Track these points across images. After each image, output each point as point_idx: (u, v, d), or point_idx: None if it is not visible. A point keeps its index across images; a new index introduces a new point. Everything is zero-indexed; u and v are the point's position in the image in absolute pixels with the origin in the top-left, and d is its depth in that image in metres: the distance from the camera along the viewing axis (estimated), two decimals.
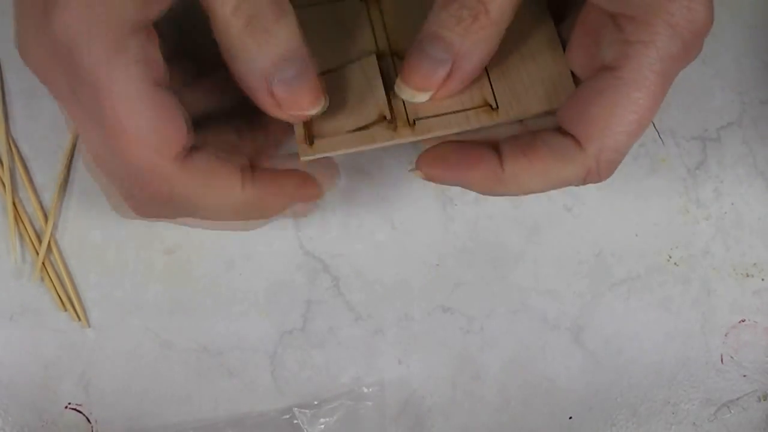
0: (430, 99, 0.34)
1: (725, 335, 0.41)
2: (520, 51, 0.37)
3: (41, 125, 0.41)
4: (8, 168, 0.40)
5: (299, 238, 0.41)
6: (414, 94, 0.34)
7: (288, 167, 0.35)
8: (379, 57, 0.37)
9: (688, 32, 0.30)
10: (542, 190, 0.33)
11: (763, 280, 0.41)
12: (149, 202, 0.31)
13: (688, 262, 0.41)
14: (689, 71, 0.42)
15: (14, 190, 0.40)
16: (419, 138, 0.36)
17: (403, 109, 0.36)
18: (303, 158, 0.36)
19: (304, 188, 0.35)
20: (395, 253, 0.41)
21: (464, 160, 0.34)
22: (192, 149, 0.30)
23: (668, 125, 0.42)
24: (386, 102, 0.36)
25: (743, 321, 0.41)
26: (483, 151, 0.34)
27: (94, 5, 0.26)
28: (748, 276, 0.41)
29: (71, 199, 0.41)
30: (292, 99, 0.31)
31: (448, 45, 0.31)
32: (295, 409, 0.40)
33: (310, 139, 0.36)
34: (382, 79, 0.37)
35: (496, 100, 0.37)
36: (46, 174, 0.41)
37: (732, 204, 0.42)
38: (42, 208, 0.40)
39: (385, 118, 0.36)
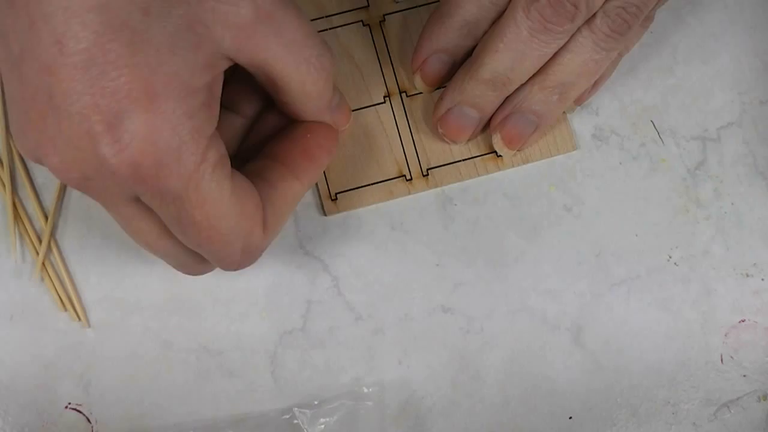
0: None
1: (725, 335, 0.41)
2: None
3: None
4: (8, 168, 0.40)
5: (299, 238, 0.41)
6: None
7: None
8: (390, 95, 0.40)
9: None
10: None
11: (763, 280, 0.41)
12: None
13: (688, 262, 0.41)
14: (689, 71, 0.42)
15: (14, 190, 0.40)
16: (432, 188, 0.41)
17: (417, 159, 0.39)
18: (329, 215, 0.40)
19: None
20: (395, 253, 0.41)
21: None
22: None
23: (668, 125, 0.42)
24: (404, 158, 0.38)
25: (743, 321, 0.41)
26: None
27: (179, 131, 0.28)
28: (748, 276, 0.41)
29: (71, 199, 0.41)
30: (344, 116, 0.37)
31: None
32: (295, 409, 0.40)
33: (333, 195, 0.38)
34: (394, 119, 0.39)
35: None
36: (46, 174, 0.41)
37: (732, 204, 0.42)
38: (42, 208, 0.40)
39: (402, 175, 0.40)
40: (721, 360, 0.41)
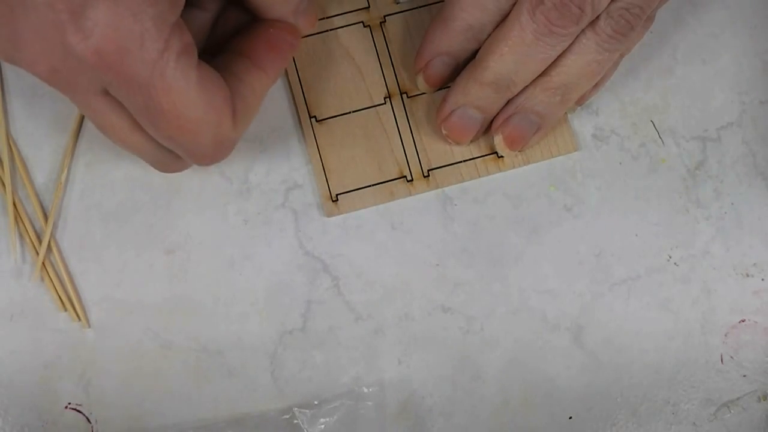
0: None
1: (725, 335, 0.41)
2: None
3: (41, 125, 0.41)
4: (8, 168, 0.40)
5: (299, 238, 0.41)
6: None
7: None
8: (391, 96, 0.40)
9: None
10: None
11: (763, 280, 0.41)
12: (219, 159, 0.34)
13: (688, 262, 0.41)
14: (689, 71, 0.42)
15: (14, 190, 0.40)
16: (433, 189, 0.41)
17: (417, 160, 0.39)
18: (329, 217, 0.40)
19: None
20: (395, 253, 0.41)
21: None
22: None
23: (668, 125, 0.42)
24: (405, 159, 0.39)
25: (743, 321, 0.41)
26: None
27: (140, 18, 0.28)
28: (748, 276, 0.41)
29: (71, 199, 0.41)
30: (308, 23, 0.36)
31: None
32: (295, 409, 0.40)
33: (334, 196, 0.38)
34: (395, 120, 0.40)
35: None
36: (46, 174, 0.41)
37: (732, 204, 0.42)
38: (42, 208, 0.40)
39: (402, 176, 0.40)
40: (721, 360, 0.41)
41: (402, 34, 0.41)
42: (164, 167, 0.35)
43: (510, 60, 0.36)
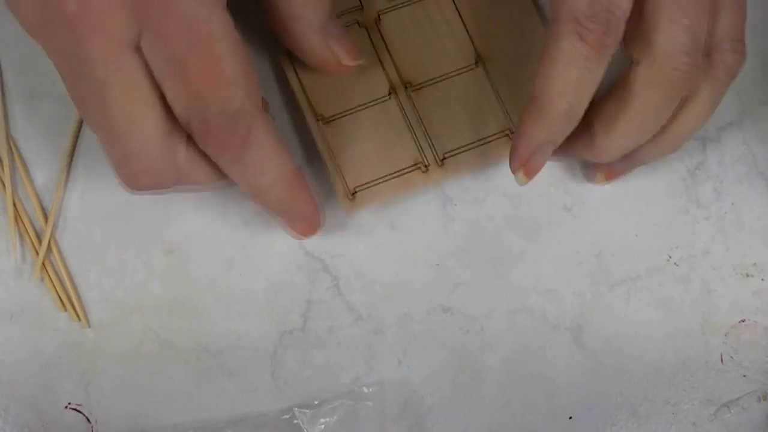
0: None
1: (725, 335, 0.41)
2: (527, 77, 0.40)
3: (41, 125, 0.41)
4: (8, 168, 0.40)
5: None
6: (525, 181, 0.35)
7: None
8: (394, 90, 0.40)
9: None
10: (652, 125, 0.34)
11: (763, 280, 0.41)
12: (240, 150, 0.31)
13: (688, 262, 0.41)
14: None
15: (14, 190, 0.40)
16: (450, 177, 0.40)
17: (431, 149, 0.39)
18: (348, 215, 0.39)
19: None
20: (395, 253, 0.41)
21: (562, 149, 0.36)
22: None
23: None
24: (417, 147, 0.38)
25: (743, 321, 0.41)
26: (577, 132, 0.35)
27: None
28: (748, 276, 0.41)
29: (71, 199, 0.41)
30: (346, 50, 0.35)
31: (552, 143, 0.35)
32: (295, 409, 0.40)
33: (351, 195, 0.38)
34: (403, 112, 0.39)
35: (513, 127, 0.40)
36: (46, 174, 0.41)
37: (732, 204, 0.42)
38: (42, 208, 0.40)
39: (417, 163, 0.39)
40: (721, 360, 0.41)
41: (399, 29, 0.41)
42: (177, 169, 0.32)
43: (631, 132, 0.34)
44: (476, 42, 0.41)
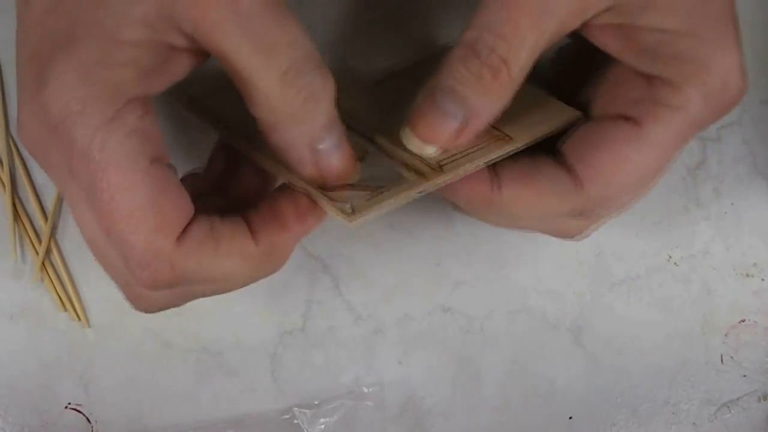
0: (436, 152, 0.32)
1: (725, 335, 0.41)
2: None
3: None
4: (8, 168, 0.40)
5: None
6: (421, 146, 0.31)
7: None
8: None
9: (720, 103, 0.31)
10: (530, 224, 0.32)
11: (763, 280, 0.41)
12: (151, 290, 0.28)
13: (688, 262, 0.41)
14: None
15: (14, 190, 0.40)
16: (452, 176, 0.34)
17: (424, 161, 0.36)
18: (351, 226, 0.35)
19: (311, 210, 0.31)
20: (395, 253, 0.41)
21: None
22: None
23: None
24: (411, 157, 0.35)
25: (743, 321, 0.41)
26: (480, 170, 0.32)
27: (89, 79, 0.25)
28: (748, 276, 0.41)
29: None
30: (337, 166, 0.30)
31: (463, 101, 0.29)
32: (295, 409, 0.40)
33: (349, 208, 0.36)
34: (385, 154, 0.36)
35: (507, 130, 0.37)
36: (46, 174, 0.41)
37: (732, 204, 0.42)
38: (42, 208, 0.40)
39: (416, 170, 0.36)
40: (721, 360, 0.41)
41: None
42: (126, 285, 0.30)
43: None
44: None
